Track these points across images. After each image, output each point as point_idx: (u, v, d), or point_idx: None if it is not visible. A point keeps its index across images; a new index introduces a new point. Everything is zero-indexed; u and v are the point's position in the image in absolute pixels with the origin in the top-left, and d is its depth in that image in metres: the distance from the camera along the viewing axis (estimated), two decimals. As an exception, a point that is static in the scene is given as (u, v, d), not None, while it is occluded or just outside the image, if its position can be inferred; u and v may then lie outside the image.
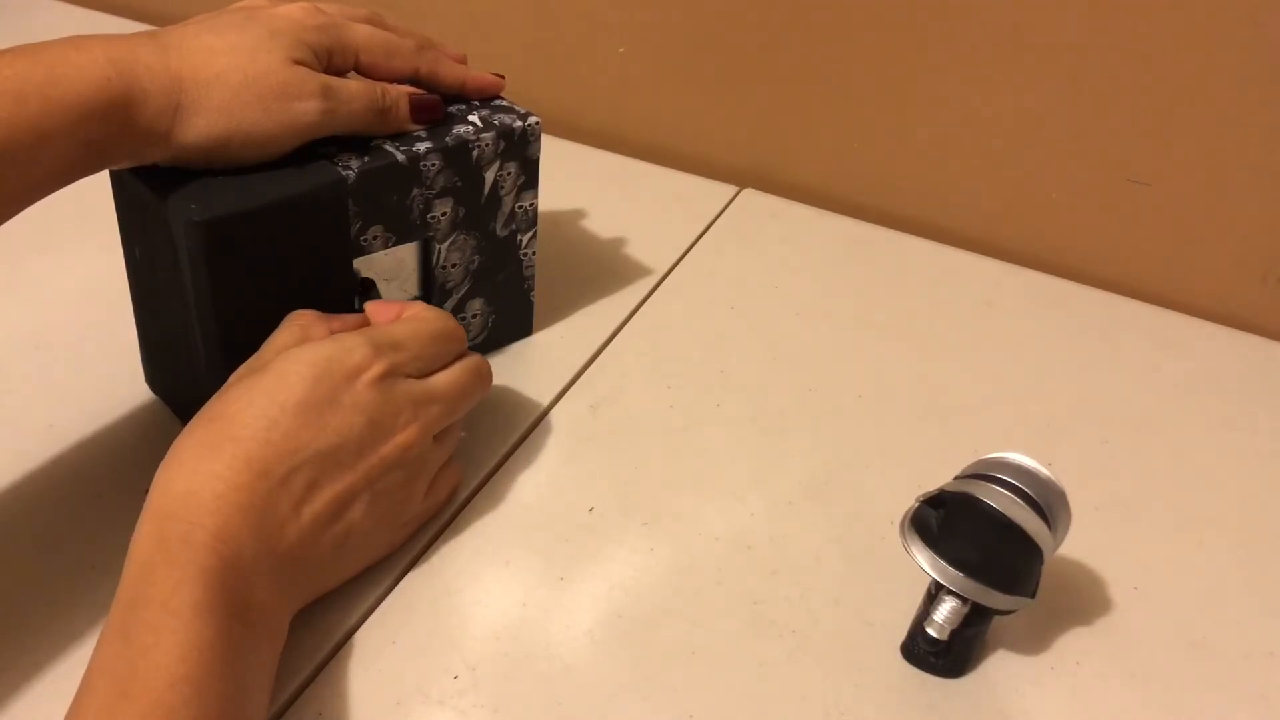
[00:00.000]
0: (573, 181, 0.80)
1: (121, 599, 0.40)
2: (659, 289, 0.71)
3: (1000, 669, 0.49)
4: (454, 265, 0.59)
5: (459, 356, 0.52)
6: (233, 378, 0.48)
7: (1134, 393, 0.66)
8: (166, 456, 0.44)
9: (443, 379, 0.51)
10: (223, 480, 0.42)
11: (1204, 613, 0.52)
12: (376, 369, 0.47)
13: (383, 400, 0.47)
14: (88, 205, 0.56)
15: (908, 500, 0.48)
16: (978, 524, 0.45)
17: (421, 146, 0.54)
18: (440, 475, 0.52)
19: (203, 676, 0.38)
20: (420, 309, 0.52)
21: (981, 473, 0.47)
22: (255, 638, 0.42)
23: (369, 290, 0.56)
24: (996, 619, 0.47)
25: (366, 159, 0.53)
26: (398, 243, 0.56)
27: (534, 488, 0.56)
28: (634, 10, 0.83)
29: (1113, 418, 0.64)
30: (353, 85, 0.52)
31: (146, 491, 0.43)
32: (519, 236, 0.61)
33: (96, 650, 0.39)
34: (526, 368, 0.63)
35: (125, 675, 0.37)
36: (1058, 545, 0.47)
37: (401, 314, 0.52)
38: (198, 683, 0.37)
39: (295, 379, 0.45)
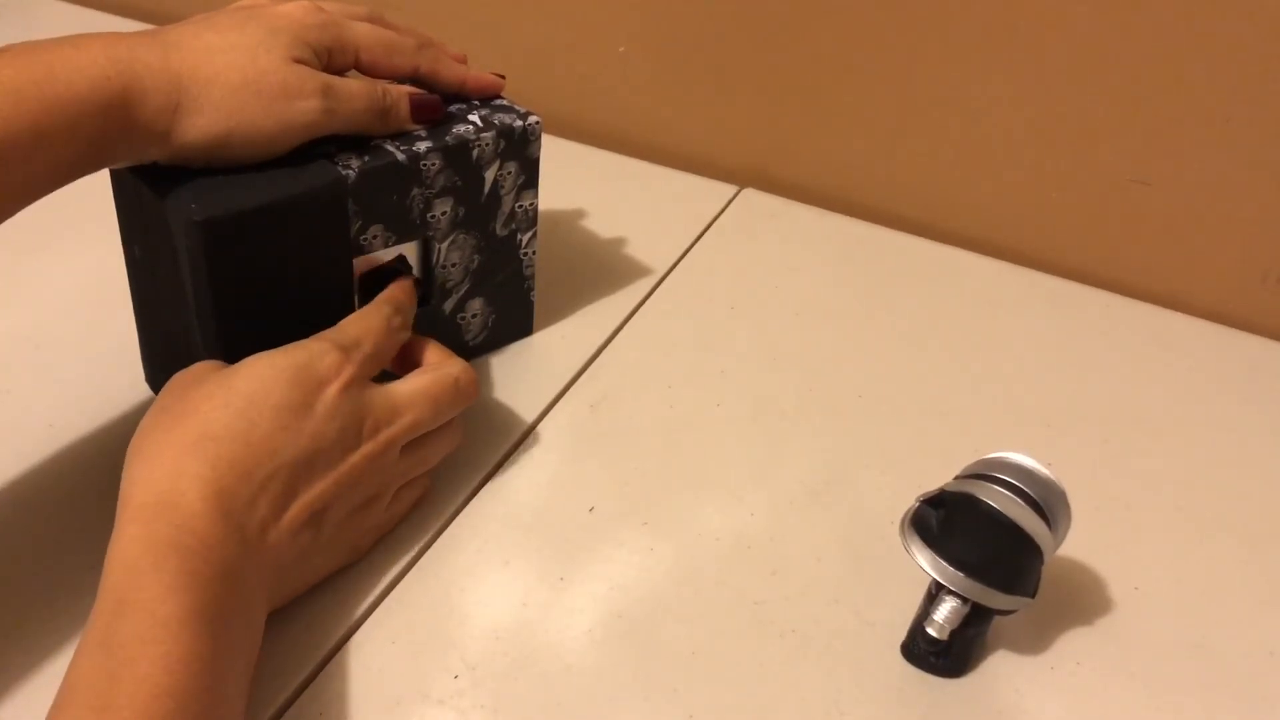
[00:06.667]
0: (573, 181, 0.80)
1: (105, 605, 0.39)
2: (659, 289, 0.71)
3: (1000, 669, 0.49)
4: (454, 265, 0.59)
5: (435, 360, 0.52)
6: (185, 377, 0.47)
7: (1134, 393, 0.66)
8: (135, 450, 0.43)
9: (411, 388, 0.50)
10: (207, 483, 0.42)
11: (1204, 613, 0.52)
12: (346, 374, 0.47)
13: (351, 407, 0.47)
14: (88, 205, 0.56)
15: (908, 500, 0.48)
16: (978, 524, 0.45)
17: (421, 146, 0.54)
18: (405, 488, 0.52)
19: (187, 689, 0.37)
20: (374, 305, 0.52)
21: (981, 473, 0.47)
22: (237, 645, 0.41)
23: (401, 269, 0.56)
24: (996, 619, 0.47)
25: (366, 158, 0.52)
26: (398, 242, 0.56)
27: (534, 488, 0.56)
28: (634, 10, 0.83)
29: (1113, 418, 0.64)
30: (353, 84, 0.52)
31: None
32: (519, 236, 0.61)
33: (76, 659, 0.38)
34: (526, 368, 0.63)
35: (106, 686, 0.36)
36: (1058, 545, 0.47)
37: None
38: (182, 695, 0.37)
39: (270, 382, 0.45)
